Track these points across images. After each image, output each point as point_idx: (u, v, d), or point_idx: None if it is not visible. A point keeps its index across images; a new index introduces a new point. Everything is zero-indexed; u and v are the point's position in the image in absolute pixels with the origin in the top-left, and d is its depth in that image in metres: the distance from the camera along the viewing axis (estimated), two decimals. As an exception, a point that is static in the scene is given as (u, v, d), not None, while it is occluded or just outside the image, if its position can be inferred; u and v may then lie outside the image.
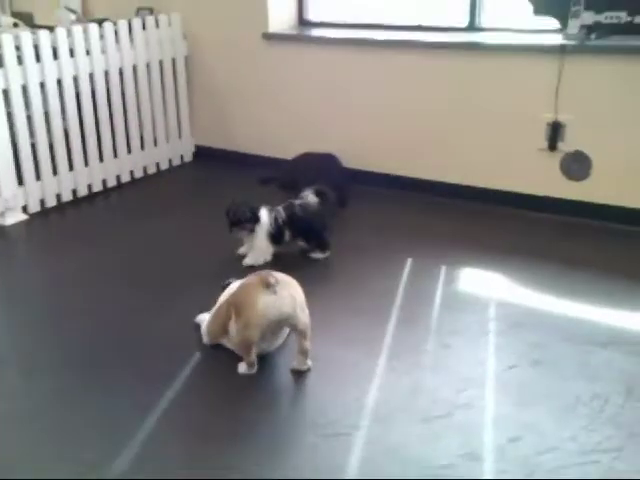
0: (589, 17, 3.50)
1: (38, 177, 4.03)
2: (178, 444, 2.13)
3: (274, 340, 2.53)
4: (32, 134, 3.97)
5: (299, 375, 2.45)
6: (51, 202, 4.12)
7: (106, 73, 4.29)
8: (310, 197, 3.34)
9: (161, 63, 4.62)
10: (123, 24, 4.31)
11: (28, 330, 2.83)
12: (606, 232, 3.56)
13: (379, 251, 3.43)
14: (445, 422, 2.18)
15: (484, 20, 3.96)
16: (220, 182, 4.52)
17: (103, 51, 4.23)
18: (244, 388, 2.39)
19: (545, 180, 3.75)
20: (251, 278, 2.43)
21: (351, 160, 4.25)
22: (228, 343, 2.53)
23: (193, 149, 5.01)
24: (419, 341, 2.64)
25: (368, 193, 4.15)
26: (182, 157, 4.95)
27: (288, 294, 2.34)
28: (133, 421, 2.21)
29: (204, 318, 2.68)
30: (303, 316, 2.38)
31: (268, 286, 2.31)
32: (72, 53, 4.06)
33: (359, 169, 4.27)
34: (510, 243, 3.47)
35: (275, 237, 3.27)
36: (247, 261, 3.28)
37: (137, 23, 4.39)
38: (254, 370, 2.44)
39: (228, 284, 2.62)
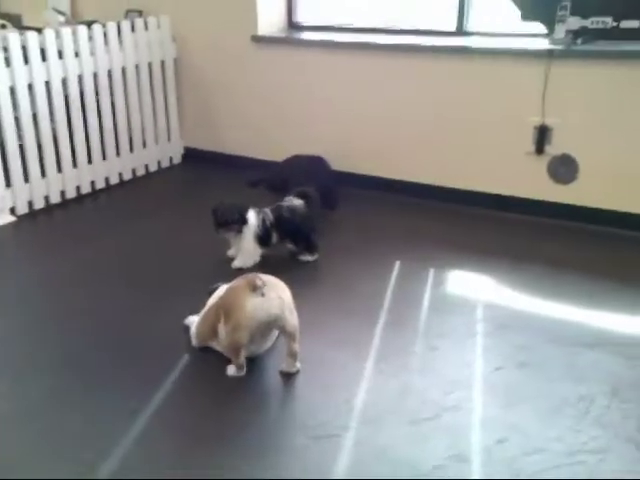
0: (575, 22, 3.53)
1: (26, 179, 4.02)
2: (168, 445, 2.14)
3: (263, 343, 2.53)
4: (20, 136, 3.96)
5: (288, 377, 2.45)
6: (39, 204, 4.10)
7: (95, 75, 4.28)
8: (294, 199, 3.35)
9: (150, 65, 4.62)
10: (112, 26, 4.30)
11: (14, 331, 2.82)
12: (592, 234, 3.59)
13: (367, 253, 3.44)
14: (433, 424, 2.20)
15: (472, 24, 3.99)
16: (209, 184, 4.52)
17: (92, 53, 4.22)
18: (233, 390, 2.39)
19: (533, 183, 3.78)
20: (239, 281, 2.43)
21: (339, 162, 4.26)
22: (217, 346, 2.53)
23: (182, 151, 5.01)
24: (407, 343, 2.65)
25: (356, 195, 4.16)
26: (171, 159, 4.94)
27: (276, 296, 2.35)
28: (123, 422, 2.21)
29: (193, 320, 2.68)
30: (291, 318, 2.39)
31: (256, 288, 2.32)
32: (61, 55, 4.05)
33: (347, 171, 4.29)
34: (496, 246, 3.49)
35: (263, 239, 3.28)
36: (236, 263, 3.28)
37: (126, 25, 4.38)
38: (243, 372, 2.44)
39: (215, 289, 2.62)
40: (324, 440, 2.13)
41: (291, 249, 3.37)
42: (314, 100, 4.36)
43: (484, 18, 3.98)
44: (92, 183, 4.40)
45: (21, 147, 3.97)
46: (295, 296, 2.44)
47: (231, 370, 2.45)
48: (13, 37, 3.79)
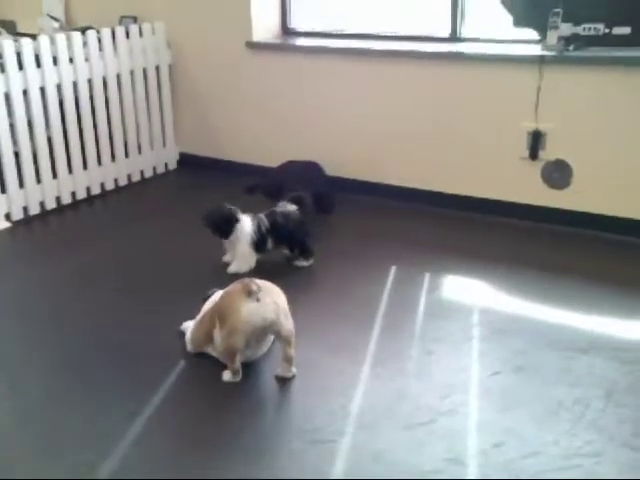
0: (567, 29, 3.55)
1: (21, 185, 4.01)
2: (167, 446, 2.14)
3: (258, 348, 2.53)
4: (15, 142, 3.96)
5: (284, 382, 2.45)
6: (35, 210, 4.10)
7: (90, 81, 4.28)
8: (288, 205, 3.35)
9: (145, 71, 4.62)
10: (107, 32, 4.31)
11: (13, 334, 2.82)
12: (587, 240, 3.60)
13: (363, 258, 3.45)
14: (429, 428, 2.20)
15: (465, 30, 4.02)
16: (204, 190, 4.52)
17: (87, 59, 4.23)
18: (229, 396, 2.39)
19: (527, 188, 3.80)
20: (234, 286, 2.44)
21: (334, 168, 4.27)
22: (213, 351, 2.53)
23: (177, 157, 5.01)
24: (403, 348, 2.66)
25: (351, 201, 4.17)
26: (166, 165, 4.94)
27: (271, 301, 2.35)
28: (122, 423, 2.22)
29: (188, 326, 2.68)
30: (287, 323, 2.39)
31: (251, 293, 2.32)
32: (55, 61, 4.05)
33: (342, 177, 4.30)
34: (492, 250, 3.50)
35: (258, 245, 3.28)
36: (231, 269, 3.29)
37: (121, 31, 4.39)
38: (239, 378, 2.44)
39: (211, 294, 2.62)
40: (320, 444, 2.13)
41: (286, 255, 3.37)
42: (309, 105, 4.38)
43: (477, 24, 4.00)
44: (87, 189, 4.39)
45: (16, 153, 3.97)
46: (291, 301, 2.44)
47: (227, 376, 2.45)
48: (7, 43, 3.79)
